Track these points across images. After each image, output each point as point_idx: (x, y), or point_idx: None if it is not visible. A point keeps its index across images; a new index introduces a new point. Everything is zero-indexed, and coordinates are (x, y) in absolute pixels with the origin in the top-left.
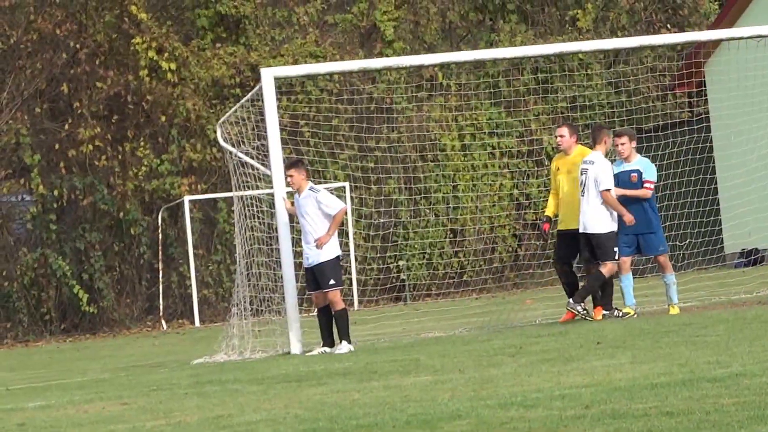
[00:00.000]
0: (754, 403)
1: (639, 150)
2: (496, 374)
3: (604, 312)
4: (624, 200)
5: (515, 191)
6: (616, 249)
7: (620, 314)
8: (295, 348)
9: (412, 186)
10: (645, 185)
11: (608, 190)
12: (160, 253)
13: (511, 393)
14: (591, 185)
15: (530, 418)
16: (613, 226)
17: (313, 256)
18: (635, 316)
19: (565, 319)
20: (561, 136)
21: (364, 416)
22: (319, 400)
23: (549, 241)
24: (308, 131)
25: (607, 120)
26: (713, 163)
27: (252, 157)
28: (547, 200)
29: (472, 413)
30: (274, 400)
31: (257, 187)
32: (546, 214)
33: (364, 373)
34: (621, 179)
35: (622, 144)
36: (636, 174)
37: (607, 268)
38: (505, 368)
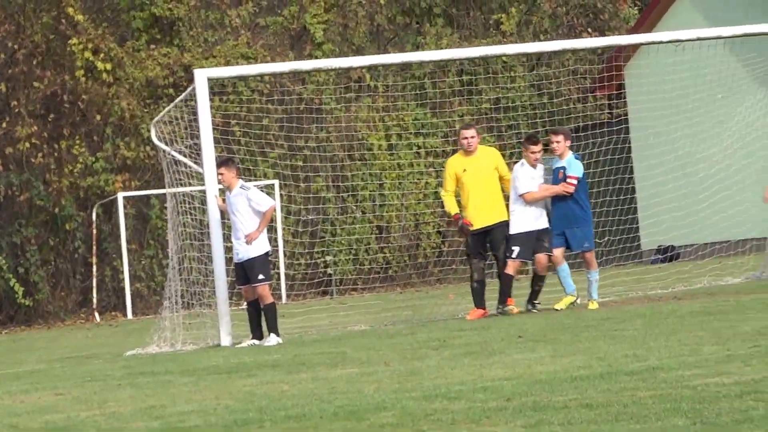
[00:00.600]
0: (671, 395)
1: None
2: (421, 367)
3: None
4: (554, 196)
5: (440, 189)
6: (516, 248)
7: (535, 309)
8: (225, 340)
9: (340, 184)
10: (567, 180)
11: (526, 193)
12: (94, 247)
13: (434, 385)
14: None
15: (453, 410)
16: (522, 227)
17: (243, 251)
18: (577, 300)
19: (474, 317)
20: (471, 137)
21: (293, 407)
22: (249, 391)
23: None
24: (239, 130)
25: (529, 121)
26: (631, 163)
27: (185, 156)
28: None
29: (397, 405)
30: (205, 391)
31: (189, 185)
32: (456, 213)
33: (293, 365)
34: (554, 176)
35: (557, 142)
36: (563, 171)
37: (511, 267)
38: (429, 361)
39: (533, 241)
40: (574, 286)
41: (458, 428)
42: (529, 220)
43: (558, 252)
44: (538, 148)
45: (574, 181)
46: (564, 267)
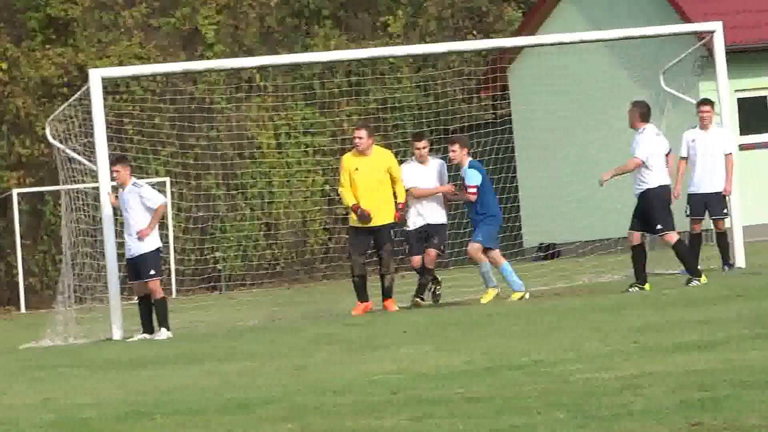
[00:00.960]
0: (553, 390)
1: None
2: (310, 361)
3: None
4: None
5: (327, 187)
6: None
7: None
8: (117, 334)
9: (230, 182)
10: (467, 191)
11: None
12: None
13: (323, 379)
14: None
15: (341, 404)
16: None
17: (135, 247)
18: (527, 295)
19: (358, 312)
20: (360, 137)
21: (184, 400)
22: (141, 384)
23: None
24: (132, 129)
25: (415, 121)
26: (515, 162)
27: (79, 153)
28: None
29: (285, 398)
30: (99, 384)
31: (83, 182)
32: (354, 203)
33: (184, 359)
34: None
35: (453, 150)
36: (464, 179)
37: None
38: (317, 355)
39: (423, 238)
40: (521, 282)
41: (345, 421)
42: (412, 216)
43: (475, 247)
44: (422, 144)
45: (473, 190)
46: (504, 265)
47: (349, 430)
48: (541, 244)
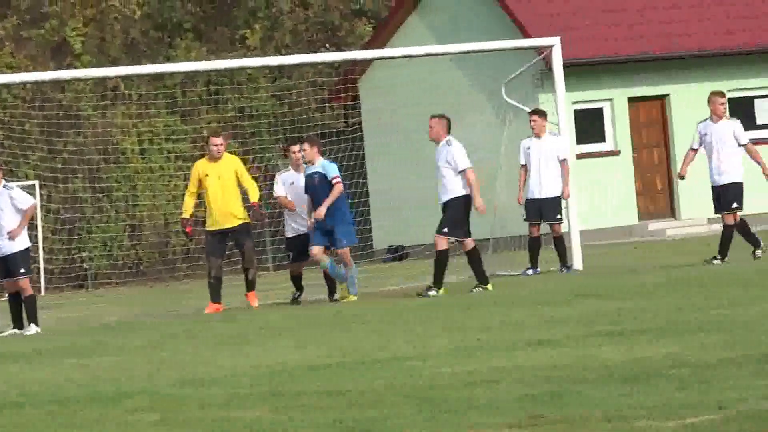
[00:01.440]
0: (404, 384)
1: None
2: (173, 356)
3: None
4: (320, 198)
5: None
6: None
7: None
8: None
9: (96, 185)
10: (334, 182)
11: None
12: None
13: (185, 373)
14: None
15: (202, 396)
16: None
17: (6, 246)
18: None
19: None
20: (220, 144)
21: (53, 392)
22: (11, 376)
23: (193, 239)
24: (2, 134)
25: (271, 129)
26: (365, 168)
27: None
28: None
29: (150, 391)
30: None
31: None
32: (184, 216)
33: (53, 353)
34: (307, 182)
35: (304, 150)
36: (317, 176)
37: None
38: (181, 350)
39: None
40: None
41: (208, 413)
42: (289, 225)
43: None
44: (297, 147)
45: (338, 179)
46: (353, 267)
47: (210, 421)
48: (390, 246)
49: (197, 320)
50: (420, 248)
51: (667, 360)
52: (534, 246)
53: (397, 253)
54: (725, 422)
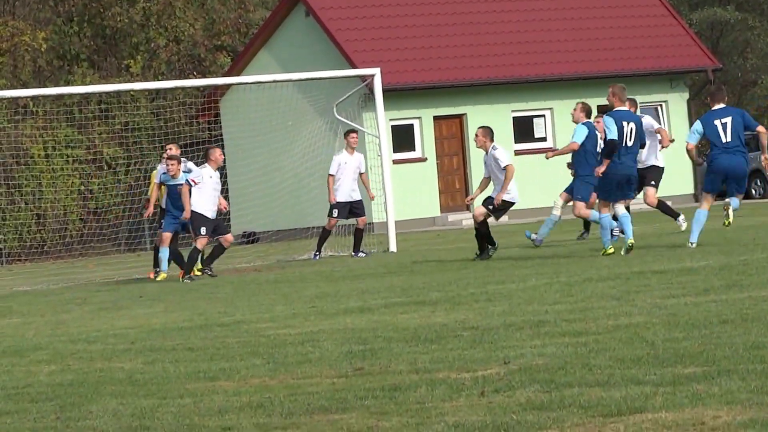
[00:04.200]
0: (251, 342)
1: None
2: (67, 318)
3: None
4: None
5: (82, 188)
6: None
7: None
8: None
9: (9, 182)
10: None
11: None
12: None
13: (78, 332)
14: None
15: (91, 351)
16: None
17: None
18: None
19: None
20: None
21: None
22: None
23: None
24: None
25: (150, 139)
26: (225, 170)
27: None
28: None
29: (50, 346)
30: None
31: None
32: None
33: None
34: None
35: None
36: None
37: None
38: (73, 314)
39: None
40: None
41: (95, 364)
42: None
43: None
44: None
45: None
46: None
47: (98, 370)
48: (244, 231)
49: (87, 290)
50: (269, 233)
51: (459, 324)
52: (325, 235)
53: (250, 238)
54: (510, 374)
